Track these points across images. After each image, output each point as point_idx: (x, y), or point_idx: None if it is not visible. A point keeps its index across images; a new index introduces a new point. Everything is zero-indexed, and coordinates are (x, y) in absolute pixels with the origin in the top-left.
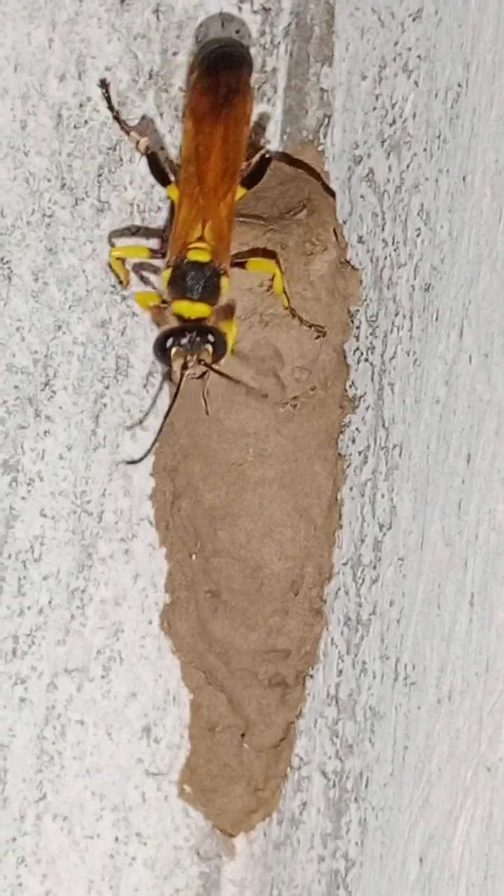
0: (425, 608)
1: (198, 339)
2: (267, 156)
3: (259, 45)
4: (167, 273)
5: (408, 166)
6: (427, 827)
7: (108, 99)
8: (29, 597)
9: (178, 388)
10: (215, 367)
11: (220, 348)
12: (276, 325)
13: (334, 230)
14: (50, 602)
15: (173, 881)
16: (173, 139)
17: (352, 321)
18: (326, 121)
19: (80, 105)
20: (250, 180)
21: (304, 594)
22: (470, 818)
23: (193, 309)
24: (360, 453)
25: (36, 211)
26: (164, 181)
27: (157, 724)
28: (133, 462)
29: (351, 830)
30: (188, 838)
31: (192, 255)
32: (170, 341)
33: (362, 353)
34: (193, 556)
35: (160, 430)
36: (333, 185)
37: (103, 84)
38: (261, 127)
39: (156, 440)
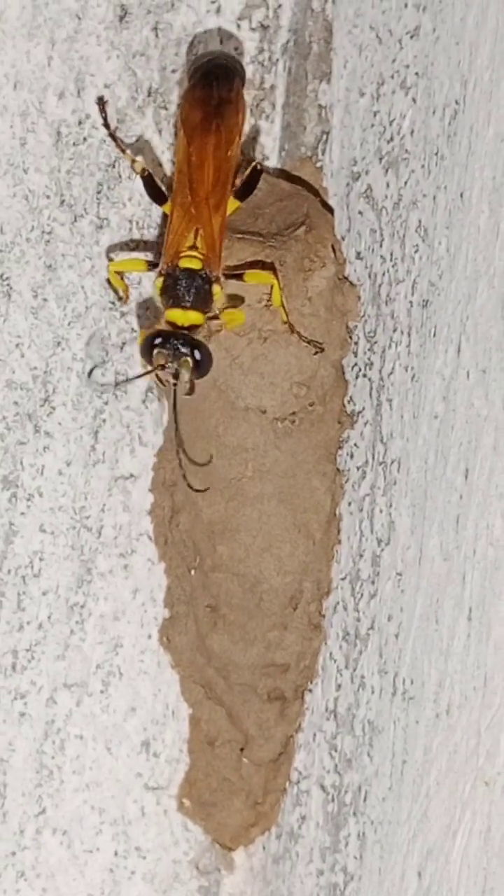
0: (423, 623)
1: (183, 348)
2: (258, 167)
3: (257, 62)
4: (159, 281)
5: (406, 183)
6: (425, 841)
7: (104, 117)
8: (28, 612)
9: (174, 401)
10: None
11: (203, 365)
12: (274, 341)
13: (332, 246)
14: (49, 617)
15: (172, 895)
16: (172, 156)
17: (350, 337)
18: (325, 137)
19: (80, 122)
20: (243, 192)
21: (303, 609)
22: (468, 832)
23: (186, 316)
24: (358, 468)
25: (35, 228)
26: (161, 200)
27: (156, 738)
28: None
29: (349, 844)
30: (187, 852)
31: (184, 263)
32: (157, 341)
33: (360, 369)
34: (192, 571)
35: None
36: (332, 202)
37: (100, 102)
38: (259, 143)
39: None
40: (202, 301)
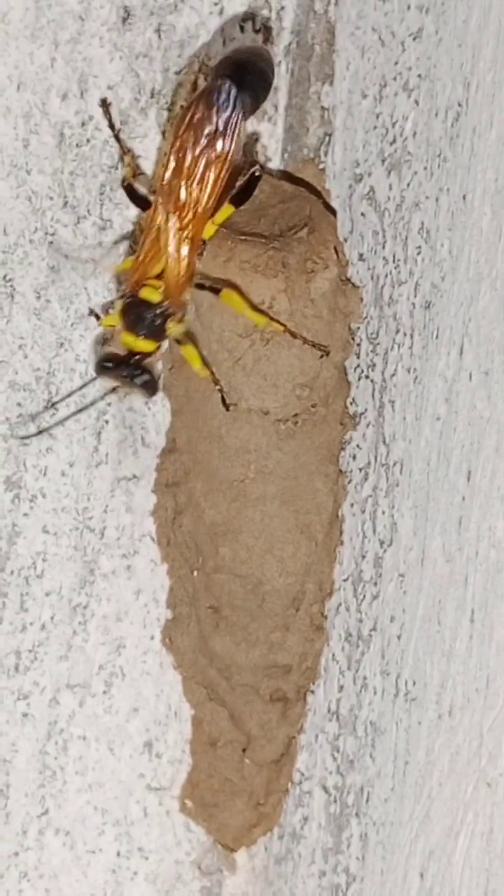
0: (426, 624)
1: (131, 374)
2: (257, 174)
3: None
4: (119, 302)
5: (408, 185)
6: (428, 842)
7: (108, 118)
8: (31, 613)
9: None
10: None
11: (149, 388)
12: (276, 343)
13: (335, 248)
14: (52, 618)
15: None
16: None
17: (352, 338)
18: (327, 139)
19: (83, 124)
20: (239, 198)
21: (305, 610)
22: (470, 833)
23: (137, 344)
24: (360, 470)
25: (38, 229)
26: (146, 208)
27: (158, 739)
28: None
29: (352, 845)
30: (190, 853)
31: (144, 293)
32: (105, 367)
33: (363, 371)
34: (195, 573)
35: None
36: (334, 204)
37: (104, 103)
38: (261, 145)
39: None
40: (155, 332)
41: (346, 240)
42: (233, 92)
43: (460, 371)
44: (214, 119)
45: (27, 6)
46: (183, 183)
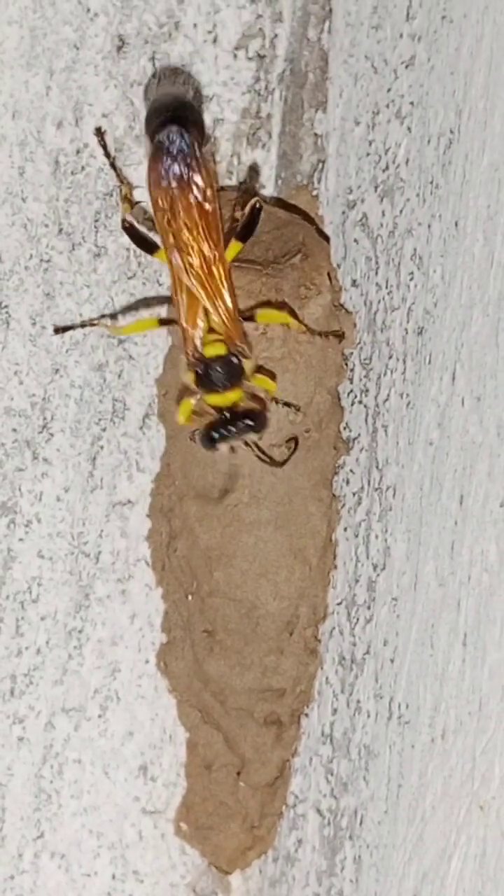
0: (419, 648)
1: (239, 425)
2: (258, 206)
3: (254, 91)
4: (190, 375)
5: (401, 211)
6: (421, 865)
7: (103, 146)
8: (27, 637)
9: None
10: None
11: (260, 425)
12: (271, 369)
13: (328, 274)
14: (48, 642)
15: None
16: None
17: (346, 364)
18: (320, 166)
19: (78, 151)
20: (244, 233)
21: (299, 634)
22: (463, 856)
23: (225, 398)
24: (354, 494)
25: (34, 256)
26: (150, 249)
27: (153, 762)
28: None
29: (345, 868)
30: (184, 875)
31: (209, 351)
32: (216, 435)
33: (356, 396)
34: (189, 597)
35: None
36: (327, 230)
37: (98, 132)
38: (255, 171)
39: None
40: (235, 378)
41: (339, 266)
42: (175, 131)
43: (453, 396)
44: (177, 167)
45: (22, 35)
46: (186, 247)
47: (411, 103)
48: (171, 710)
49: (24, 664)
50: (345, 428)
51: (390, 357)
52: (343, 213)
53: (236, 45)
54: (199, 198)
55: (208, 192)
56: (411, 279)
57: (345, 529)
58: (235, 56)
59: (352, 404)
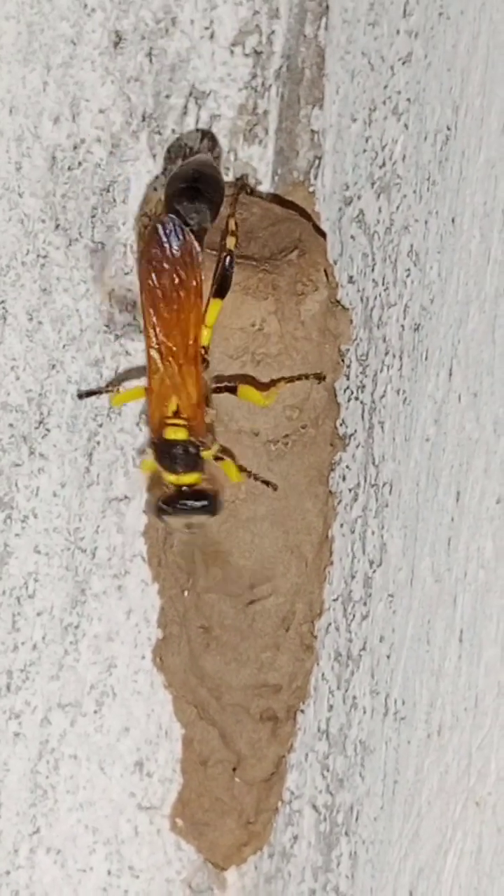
0: (415, 644)
1: (192, 504)
2: (227, 263)
3: (250, 87)
4: (152, 450)
5: (398, 208)
6: (417, 860)
7: (92, 394)
8: (23, 632)
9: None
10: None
11: (212, 508)
12: (267, 364)
13: (325, 270)
14: (44, 638)
15: None
16: (166, 180)
17: (342, 360)
18: (317, 162)
19: (74, 147)
20: (220, 290)
21: (295, 630)
22: (459, 852)
23: (181, 480)
24: (350, 491)
25: (30, 251)
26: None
27: (149, 758)
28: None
29: (341, 864)
30: (180, 871)
31: (169, 434)
32: (166, 508)
33: (353, 392)
34: (185, 593)
35: None
36: (324, 226)
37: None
38: (252, 168)
39: None
40: (193, 464)
41: (335, 262)
42: (176, 224)
43: (449, 393)
44: (169, 252)
45: (19, 30)
46: (165, 330)
47: (408, 100)
48: (167, 705)
49: (20, 660)
50: (341, 424)
51: (387, 353)
52: (340, 209)
53: (233, 41)
54: (184, 294)
55: (193, 284)
56: (408, 276)
57: (341, 526)
58: (232, 52)
59: (348, 401)
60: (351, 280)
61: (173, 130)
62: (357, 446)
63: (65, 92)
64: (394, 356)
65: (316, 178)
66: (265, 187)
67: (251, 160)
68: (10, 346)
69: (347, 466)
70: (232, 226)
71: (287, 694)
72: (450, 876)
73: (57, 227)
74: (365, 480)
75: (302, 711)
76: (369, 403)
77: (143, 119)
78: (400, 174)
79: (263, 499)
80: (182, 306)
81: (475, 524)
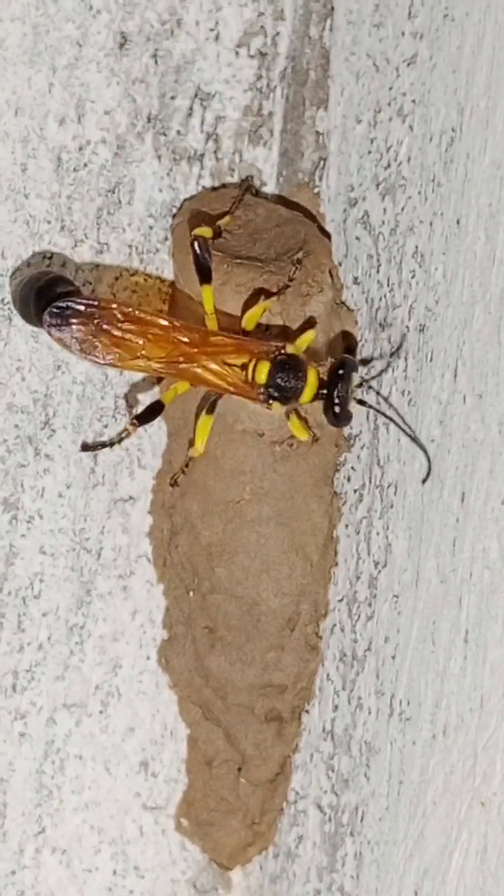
0: (420, 645)
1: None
2: (197, 246)
3: (255, 88)
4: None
5: (402, 209)
6: (422, 861)
7: (105, 445)
8: (28, 633)
9: None
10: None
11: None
12: None
13: (330, 272)
14: (49, 638)
15: None
16: (171, 181)
17: None
18: (322, 164)
19: (80, 148)
20: (203, 276)
21: (300, 630)
22: (465, 852)
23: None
24: (355, 491)
25: (36, 253)
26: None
27: (154, 758)
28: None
29: (346, 864)
30: (185, 871)
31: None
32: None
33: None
34: (191, 593)
35: None
36: (329, 227)
37: (90, 448)
38: (257, 169)
39: None
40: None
41: (340, 263)
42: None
43: (454, 394)
44: (74, 328)
45: (25, 32)
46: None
47: (413, 101)
48: (172, 706)
49: (25, 660)
50: None
51: (392, 354)
52: (344, 210)
53: (238, 42)
54: (119, 328)
55: (120, 318)
56: (413, 277)
57: (346, 526)
58: (237, 53)
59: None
60: (356, 281)
61: (178, 132)
62: (362, 447)
63: (70, 93)
64: (399, 357)
65: (321, 179)
66: (270, 188)
67: (256, 161)
68: (15, 347)
69: (352, 467)
70: (224, 221)
71: (292, 694)
72: (455, 876)
73: (62, 228)
74: (370, 481)
75: (307, 712)
76: (374, 404)
77: (149, 120)
78: (405, 175)
79: (269, 499)
80: (131, 328)
81: (480, 525)
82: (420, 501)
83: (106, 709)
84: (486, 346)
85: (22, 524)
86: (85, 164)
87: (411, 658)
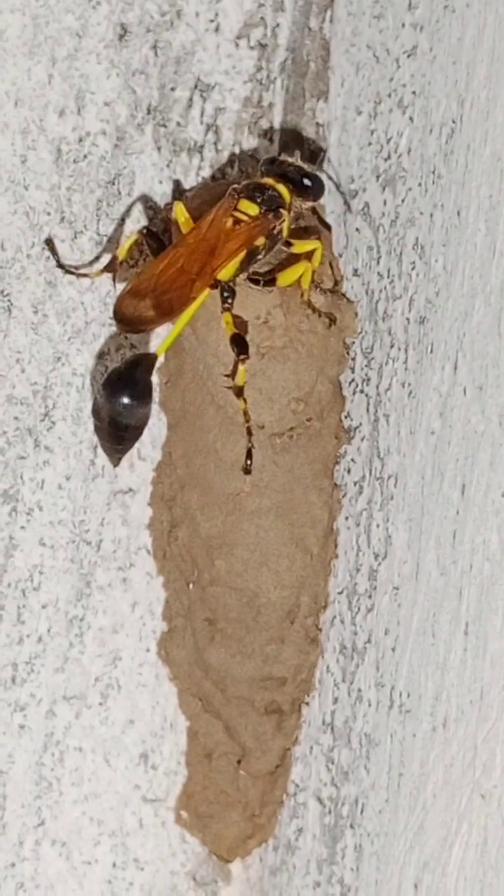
0: (420, 637)
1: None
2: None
3: (255, 80)
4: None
5: (403, 201)
6: (422, 853)
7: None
8: (28, 625)
9: None
10: None
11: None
12: (272, 357)
13: (330, 263)
14: (49, 630)
15: None
16: (171, 173)
17: (347, 353)
18: (322, 155)
19: (80, 140)
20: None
21: (300, 623)
22: (465, 844)
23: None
24: (355, 483)
25: (36, 244)
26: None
27: (154, 750)
28: None
29: (346, 856)
30: (185, 864)
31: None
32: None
33: (358, 385)
34: (191, 585)
35: None
36: (329, 219)
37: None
38: (256, 160)
39: None
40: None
41: (341, 255)
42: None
43: (455, 386)
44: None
45: (24, 23)
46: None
47: (413, 93)
48: (171, 698)
49: (25, 652)
50: (346, 417)
51: (392, 346)
52: (345, 202)
53: (238, 33)
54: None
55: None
56: (413, 268)
57: (346, 518)
58: (237, 45)
59: (353, 393)
60: (356, 273)
61: (178, 123)
62: (362, 439)
63: (70, 85)
64: (399, 349)
65: (321, 170)
66: None
67: (256, 153)
68: (15, 339)
69: (352, 459)
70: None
71: (292, 687)
72: (455, 868)
73: (62, 219)
74: (370, 473)
75: (307, 704)
76: (374, 396)
77: (149, 112)
78: (405, 167)
79: (268, 492)
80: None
81: (480, 517)
82: (420, 494)
83: (106, 701)
84: (486, 337)
85: (21, 516)
86: (85, 156)
87: (411, 650)
